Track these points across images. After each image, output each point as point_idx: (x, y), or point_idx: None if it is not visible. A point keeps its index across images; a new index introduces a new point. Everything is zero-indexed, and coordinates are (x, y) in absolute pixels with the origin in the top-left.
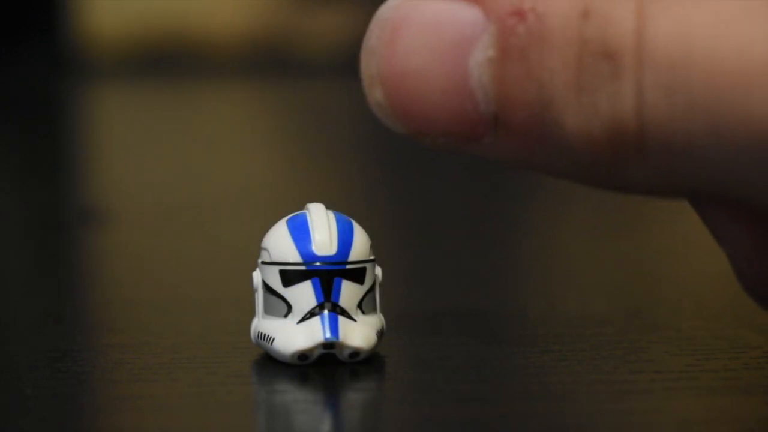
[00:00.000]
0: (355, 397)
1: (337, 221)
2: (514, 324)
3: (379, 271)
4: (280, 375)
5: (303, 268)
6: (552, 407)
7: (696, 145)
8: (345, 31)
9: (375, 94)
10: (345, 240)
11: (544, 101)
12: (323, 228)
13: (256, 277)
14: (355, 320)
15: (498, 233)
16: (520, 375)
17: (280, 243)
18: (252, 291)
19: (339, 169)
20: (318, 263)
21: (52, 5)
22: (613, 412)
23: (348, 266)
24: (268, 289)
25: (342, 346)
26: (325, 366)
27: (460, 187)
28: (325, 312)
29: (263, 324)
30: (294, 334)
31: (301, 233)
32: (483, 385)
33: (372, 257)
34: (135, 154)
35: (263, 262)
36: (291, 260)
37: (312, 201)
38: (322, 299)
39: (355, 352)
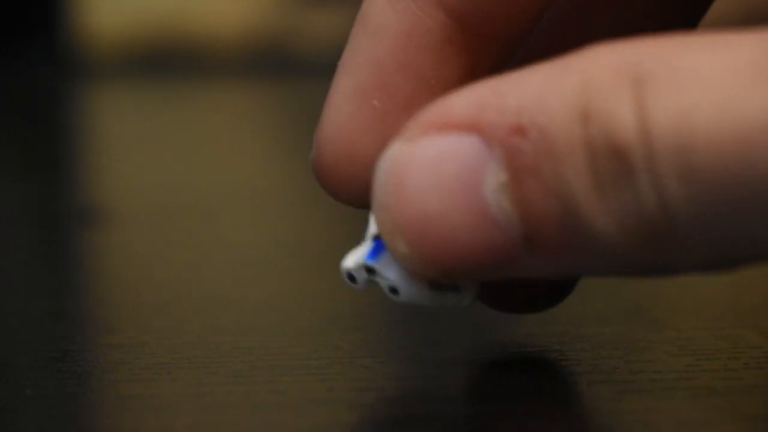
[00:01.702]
0: (350, 396)
1: None
2: (514, 324)
3: None
4: (280, 375)
5: None
6: (552, 407)
7: (726, 220)
8: (345, 31)
9: (399, 248)
10: None
11: (570, 212)
12: None
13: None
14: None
15: None
16: (520, 375)
17: None
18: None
19: None
20: None
21: (52, 5)
22: (613, 412)
23: None
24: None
25: (381, 276)
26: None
27: None
28: (380, 239)
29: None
30: (351, 253)
31: None
32: (482, 385)
33: None
34: (135, 153)
35: None
36: None
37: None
38: None
39: (394, 288)
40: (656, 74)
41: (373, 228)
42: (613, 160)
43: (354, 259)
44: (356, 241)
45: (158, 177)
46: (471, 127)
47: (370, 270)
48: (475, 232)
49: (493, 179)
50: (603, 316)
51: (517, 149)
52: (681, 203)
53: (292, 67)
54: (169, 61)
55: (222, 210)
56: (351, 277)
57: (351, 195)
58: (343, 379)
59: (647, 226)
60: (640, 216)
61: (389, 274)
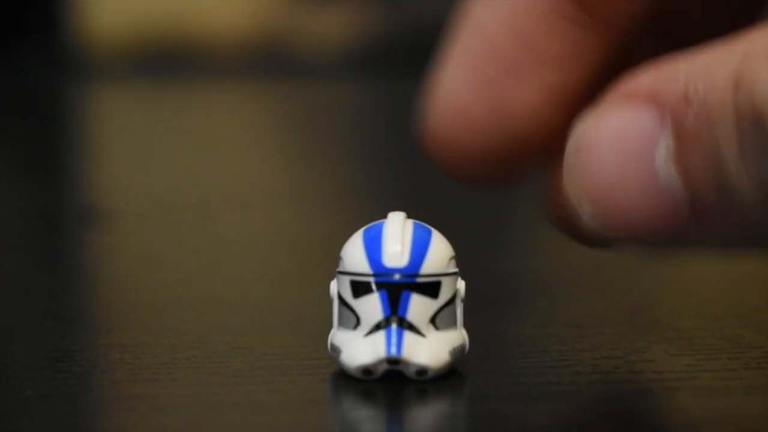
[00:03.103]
0: (350, 396)
1: (414, 232)
2: (514, 324)
3: (461, 284)
4: (280, 375)
5: (371, 279)
6: (552, 407)
7: None
8: (345, 31)
9: (586, 211)
10: (418, 252)
11: (723, 178)
12: (396, 239)
13: (333, 287)
14: (424, 336)
15: (498, 233)
16: (520, 375)
17: (353, 252)
18: (329, 301)
19: (338, 169)
20: (386, 275)
21: (52, 5)
22: (613, 412)
23: (419, 279)
24: (341, 299)
25: (407, 363)
26: (391, 382)
27: (458, 190)
28: (392, 326)
29: (336, 335)
30: (359, 347)
31: (374, 243)
32: (483, 385)
33: (452, 270)
34: (135, 153)
35: (338, 272)
36: (361, 271)
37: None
38: (389, 313)
39: (423, 370)
40: None
41: (336, 301)
42: (755, 126)
43: (370, 354)
44: None
45: (158, 177)
46: (650, 97)
47: (393, 361)
48: (650, 200)
49: (664, 147)
50: (603, 317)
51: (683, 115)
52: None
53: (292, 67)
54: (169, 62)
55: (222, 210)
56: (367, 371)
57: (463, 163)
58: (343, 379)
59: None
60: None
61: (419, 358)
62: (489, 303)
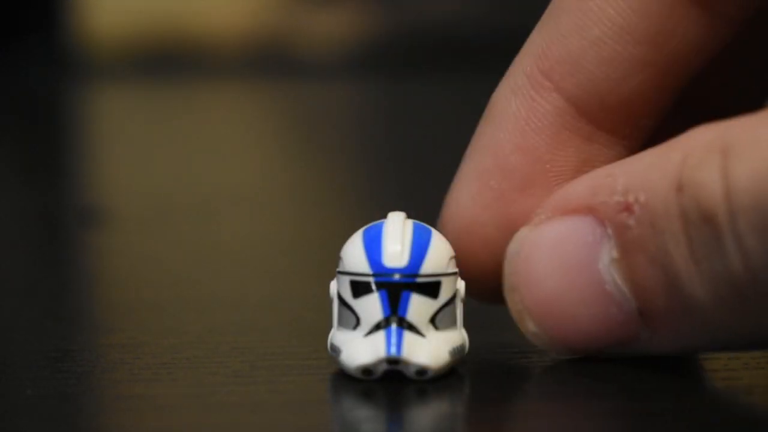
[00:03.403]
0: (350, 396)
1: (414, 232)
2: (515, 325)
3: (461, 285)
4: (280, 375)
5: (370, 279)
6: (552, 407)
7: None
8: (345, 31)
9: (528, 327)
10: (418, 252)
11: (673, 281)
12: (396, 238)
13: (333, 287)
14: (424, 336)
15: None
16: (520, 375)
17: (352, 252)
18: (330, 301)
19: (338, 169)
20: (386, 275)
21: (52, 5)
22: (614, 412)
23: (419, 279)
24: (341, 299)
25: (407, 363)
26: (391, 382)
27: None
28: (392, 326)
29: (336, 335)
30: (358, 347)
31: (373, 243)
32: (483, 385)
33: (452, 270)
34: (135, 153)
35: (338, 272)
36: (360, 270)
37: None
38: (389, 313)
39: (422, 370)
40: (740, 144)
41: (336, 302)
42: (704, 227)
43: (370, 354)
44: None
45: (158, 177)
46: (587, 208)
47: (393, 361)
48: (594, 309)
49: (607, 256)
50: None
51: (625, 225)
52: (761, 259)
53: (292, 67)
54: (169, 62)
55: (222, 210)
56: (367, 371)
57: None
58: (343, 379)
59: (736, 288)
60: (729, 278)
61: (419, 358)
62: (487, 304)
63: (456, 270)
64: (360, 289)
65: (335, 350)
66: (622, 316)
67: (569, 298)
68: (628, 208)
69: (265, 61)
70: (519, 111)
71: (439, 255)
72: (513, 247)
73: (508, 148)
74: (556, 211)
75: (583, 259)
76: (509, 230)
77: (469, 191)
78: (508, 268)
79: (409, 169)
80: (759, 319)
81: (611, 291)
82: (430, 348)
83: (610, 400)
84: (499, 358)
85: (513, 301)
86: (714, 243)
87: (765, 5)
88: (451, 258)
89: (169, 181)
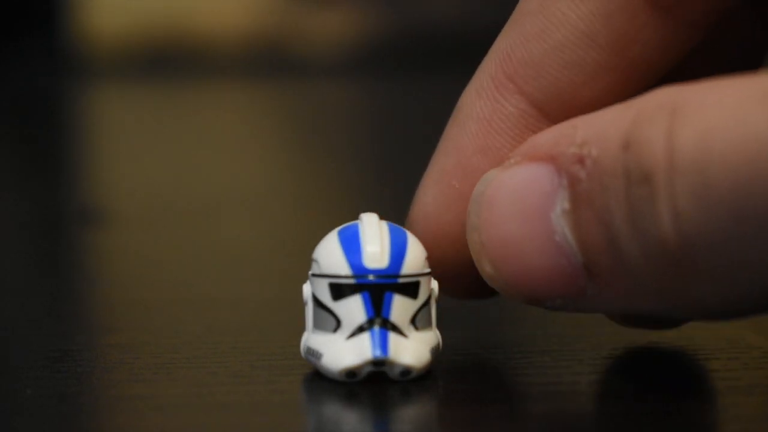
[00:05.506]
0: (352, 397)
1: (390, 232)
2: (515, 325)
3: (435, 284)
4: (280, 375)
5: (353, 281)
6: (552, 407)
7: (736, 241)
8: (345, 31)
9: (485, 267)
10: (397, 252)
11: (613, 240)
12: (375, 239)
13: (306, 289)
14: (406, 336)
15: None
16: (520, 375)
17: (330, 254)
18: (303, 304)
19: (338, 169)
20: (368, 276)
21: (52, 5)
22: (614, 412)
23: (400, 280)
24: (317, 302)
25: (392, 364)
26: (374, 384)
27: None
28: (375, 328)
29: (312, 339)
30: (342, 350)
31: (351, 245)
32: (483, 385)
33: (427, 270)
34: (135, 153)
35: (313, 275)
36: (341, 273)
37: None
38: (372, 314)
39: (407, 370)
40: (689, 105)
41: (311, 304)
42: (642, 186)
43: (355, 357)
44: None
45: (158, 177)
46: (548, 157)
47: (379, 363)
48: (545, 258)
49: (559, 207)
50: (603, 317)
51: (577, 178)
52: (693, 223)
53: (292, 67)
54: (170, 61)
55: (222, 210)
56: (351, 374)
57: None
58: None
59: (666, 252)
60: (660, 240)
61: (404, 359)
62: (487, 303)
63: (430, 270)
64: (340, 291)
65: (313, 354)
66: (570, 269)
67: (523, 244)
68: (581, 160)
69: (265, 61)
70: (483, 112)
71: (416, 255)
72: (479, 187)
73: (471, 149)
74: (524, 157)
75: (540, 207)
76: None
77: (433, 192)
78: (472, 207)
79: (409, 169)
80: (688, 284)
81: (561, 242)
82: (415, 348)
83: (609, 400)
84: (498, 357)
85: (473, 240)
86: (649, 204)
87: (730, 12)
88: (426, 258)
89: (169, 180)
